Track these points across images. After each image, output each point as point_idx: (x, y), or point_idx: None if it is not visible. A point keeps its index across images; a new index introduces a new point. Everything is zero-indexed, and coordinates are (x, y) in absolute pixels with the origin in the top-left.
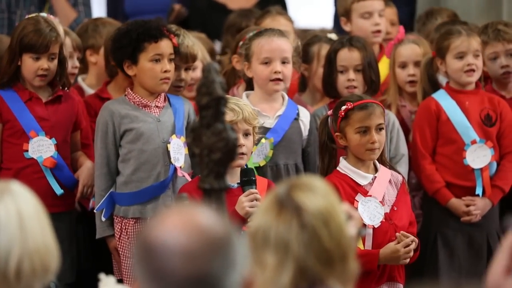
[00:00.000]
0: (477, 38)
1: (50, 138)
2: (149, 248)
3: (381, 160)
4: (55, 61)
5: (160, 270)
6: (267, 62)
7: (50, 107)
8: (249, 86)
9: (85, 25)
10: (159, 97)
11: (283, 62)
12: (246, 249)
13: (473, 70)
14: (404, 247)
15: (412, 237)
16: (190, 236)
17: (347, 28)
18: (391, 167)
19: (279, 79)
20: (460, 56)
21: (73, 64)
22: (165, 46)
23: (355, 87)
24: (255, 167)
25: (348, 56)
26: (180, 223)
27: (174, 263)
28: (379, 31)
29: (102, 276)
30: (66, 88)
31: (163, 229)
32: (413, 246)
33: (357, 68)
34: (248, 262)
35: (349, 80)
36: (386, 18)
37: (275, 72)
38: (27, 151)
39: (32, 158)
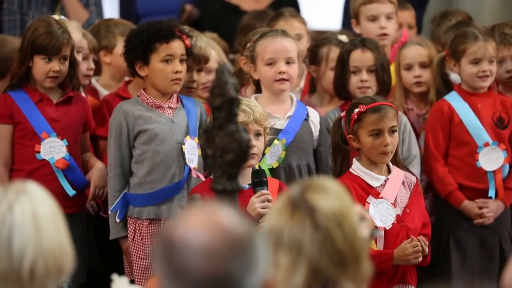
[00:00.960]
0: (493, 43)
1: (62, 139)
2: (171, 245)
3: (395, 161)
4: (66, 63)
5: (180, 268)
6: (271, 63)
7: (61, 108)
8: (258, 88)
9: (97, 26)
10: (171, 98)
11: (288, 62)
12: (267, 251)
13: (487, 76)
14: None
15: (422, 242)
16: (212, 236)
17: (357, 30)
18: (406, 168)
19: (284, 79)
20: (476, 62)
21: (88, 65)
22: (176, 47)
23: (368, 88)
24: (269, 169)
25: (362, 57)
26: (203, 222)
27: (195, 261)
28: (385, 34)
29: (115, 277)
30: (76, 90)
31: (186, 227)
32: (419, 248)
33: (370, 69)
34: (268, 263)
35: (362, 81)
36: (403, 21)
37: (280, 73)
38: (39, 152)
39: (44, 160)
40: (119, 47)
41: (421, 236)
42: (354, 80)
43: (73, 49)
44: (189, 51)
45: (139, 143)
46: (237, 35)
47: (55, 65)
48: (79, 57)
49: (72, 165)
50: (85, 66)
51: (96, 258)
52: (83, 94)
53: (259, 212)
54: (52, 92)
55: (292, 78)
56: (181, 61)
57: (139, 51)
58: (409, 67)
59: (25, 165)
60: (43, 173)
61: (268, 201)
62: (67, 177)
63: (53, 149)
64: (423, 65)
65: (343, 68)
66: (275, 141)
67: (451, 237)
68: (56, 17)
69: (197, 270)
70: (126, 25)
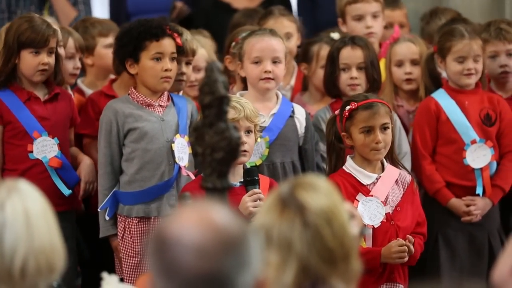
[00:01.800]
0: (479, 41)
1: (53, 138)
2: (163, 242)
3: (392, 158)
4: (53, 56)
5: (172, 265)
6: (257, 61)
7: (49, 105)
8: (245, 85)
9: (75, 28)
10: (162, 96)
11: (274, 62)
12: (260, 249)
13: (472, 74)
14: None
15: (409, 241)
16: (204, 233)
17: (343, 29)
18: (402, 166)
19: (269, 78)
20: (461, 60)
21: (74, 65)
22: (166, 44)
23: (357, 85)
24: (252, 166)
25: (351, 54)
26: (196, 220)
27: (186, 258)
28: (371, 33)
29: (105, 275)
30: (61, 85)
31: (178, 224)
32: (404, 248)
33: (359, 66)
34: (261, 262)
35: (352, 78)
36: (395, 20)
37: (265, 72)
38: (31, 152)
39: (36, 159)
40: (99, 48)
41: (409, 237)
42: (344, 78)
43: (58, 43)
44: (180, 49)
45: (129, 141)
46: (228, 33)
47: (43, 57)
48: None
49: (65, 164)
50: (71, 65)
51: (87, 256)
52: (69, 92)
53: (251, 211)
54: (38, 89)
55: (278, 77)
56: (171, 59)
57: (129, 48)
58: (400, 64)
59: (17, 165)
60: (35, 172)
61: (260, 200)
62: (59, 176)
63: (45, 148)
64: (414, 62)
65: (333, 65)
66: (258, 139)
67: (439, 235)
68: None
69: (189, 268)
70: (104, 24)
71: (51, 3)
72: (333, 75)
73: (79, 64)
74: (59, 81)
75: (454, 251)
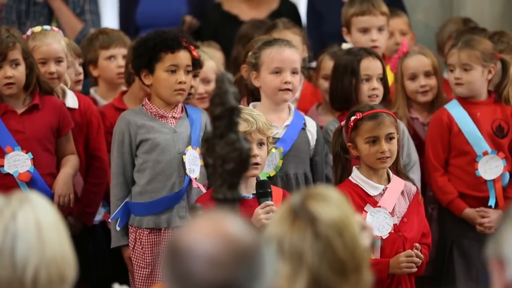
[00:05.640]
0: (472, 52)
1: (27, 152)
2: (176, 251)
3: (396, 169)
4: (20, 68)
5: (184, 274)
6: (277, 72)
7: (26, 118)
8: (252, 96)
9: (84, 40)
10: (176, 108)
11: (293, 73)
12: (274, 260)
13: (461, 84)
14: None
15: (417, 251)
16: (217, 244)
17: (348, 39)
18: (407, 178)
19: (288, 89)
20: (451, 69)
21: (76, 71)
22: (182, 57)
23: (377, 96)
24: (267, 177)
25: (373, 65)
26: (210, 230)
27: (199, 268)
28: (375, 47)
29: (116, 286)
30: (49, 94)
31: (192, 234)
32: (416, 259)
33: (379, 77)
34: (275, 273)
35: (374, 89)
36: (395, 29)
37: (286, 82)
38: (2, 166)
39: (8, 173)
40: (101, 60)
41: (416, 245)
42: (364, 88)
43: (27, 52)
44: (196, 61)
45: (141, 152)
46: (235, 44)
47: (6, 71)
48: (60, 66)
49: (34, 177)
50: (73, 74)
51: (95, 269)
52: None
53: (264, 224)
54: (18, 102)
55: (295, 88)
56: (186, 72)
57: (145, 59)
58: (413, 77)
59: None
60: (7, 188)
61: (273, 212)
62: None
63: (18, 163)
64: (427, 74)
65: (353, 76)
66: (273, 150)
67: (454, 245)
68: (47, 27)
69: (202, 278)
70: (105, 37)
71: (56, 16)
72: (355, 86)
73: (80, 69)
74: (47, 90)
75: (469, 261)
